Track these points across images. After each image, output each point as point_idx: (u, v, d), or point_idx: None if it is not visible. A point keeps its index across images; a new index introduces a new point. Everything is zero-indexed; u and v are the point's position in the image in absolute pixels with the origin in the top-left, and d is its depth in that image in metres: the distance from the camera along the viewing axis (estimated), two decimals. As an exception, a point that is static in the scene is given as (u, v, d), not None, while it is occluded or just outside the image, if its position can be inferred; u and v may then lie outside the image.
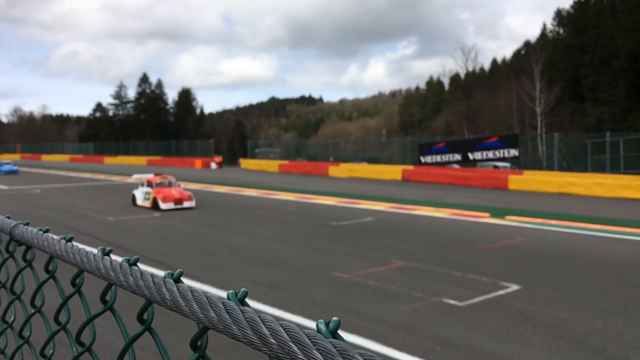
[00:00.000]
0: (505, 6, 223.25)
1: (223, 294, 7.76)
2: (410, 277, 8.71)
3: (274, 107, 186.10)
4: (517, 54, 68.17)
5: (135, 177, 21.09)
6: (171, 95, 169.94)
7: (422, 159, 30.42)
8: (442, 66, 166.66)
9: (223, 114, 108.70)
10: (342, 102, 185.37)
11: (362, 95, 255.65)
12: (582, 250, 10.93)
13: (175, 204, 17.08)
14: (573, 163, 29.30)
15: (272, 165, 40.41)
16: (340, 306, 7.26)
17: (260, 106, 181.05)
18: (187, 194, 17.57)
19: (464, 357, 5.58)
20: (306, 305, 7.32)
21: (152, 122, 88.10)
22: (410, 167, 30.22)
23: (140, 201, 17.98)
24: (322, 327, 0.52)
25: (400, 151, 42.88)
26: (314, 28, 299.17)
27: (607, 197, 20.95)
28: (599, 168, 27.73)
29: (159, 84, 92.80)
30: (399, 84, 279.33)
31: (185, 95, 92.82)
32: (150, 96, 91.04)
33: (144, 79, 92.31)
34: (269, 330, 0.51)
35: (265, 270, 9.32)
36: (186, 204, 17.30)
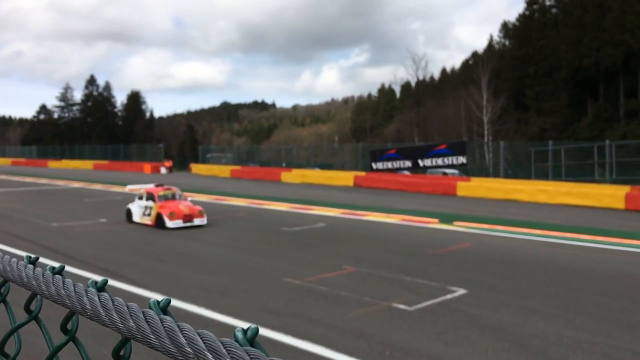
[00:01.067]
0: (454, 17, 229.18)
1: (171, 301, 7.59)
2: (361, 283, 8.77)
3: (227, 112, 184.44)
4: (465, 64, 70.08)
5: (130, 188, 18.04)
6: (120, 98, 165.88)
7: (374, 166, 30.75)
8: (394, 74, 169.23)
9: (174, 118, 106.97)
10: (295, 107, 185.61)
11: (315, 101, 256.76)
12: (526, 255, 11.28)
13: (185, 221, 14.27)
14: (518, 170, 30.26)
15: (223, 170, 40.00)
16: (291, 312, 7.23)
17: (212, 111, 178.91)
18: (197, 209, 14.72)
19: (412, 361, 5.65)
20: (257, 311, 7.26)
21: (99, 125, 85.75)
22: (362, 174, 30.49)
23: (137, 217, 15.09)
24: (240, 335, 0.51)
25: (352, 157, 43.24)
26: (267, 33, 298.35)
27: (550, 203, 21.71)
28: (542, 175, 28.74)
29: (107, 87, 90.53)
30: (351, 90, 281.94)
31: (135, 98, 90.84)
32: (97, 99, 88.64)
33: (91, 81, 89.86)
34: (186, 339, 0.50)
35: (216, 276, 9.20)
36: (197, 222, 14.47)
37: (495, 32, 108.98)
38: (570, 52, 48.03)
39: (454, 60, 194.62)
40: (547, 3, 56.72)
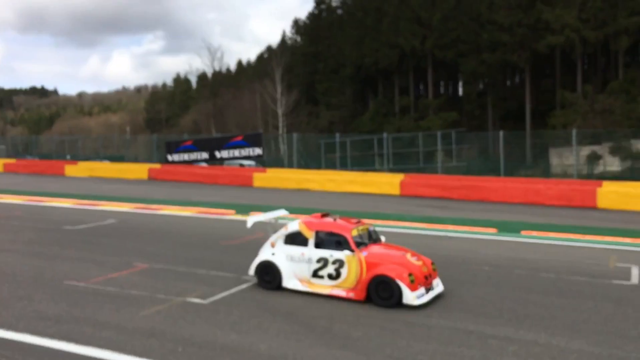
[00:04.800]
0: (249, 11, 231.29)
1: None
2: (154, 280, 8.47)
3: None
4: (260, 58, 71.60)
5: (260, 219, 8.92)
6: None
7: (169, 157, 29.82)
8: (189, 64, 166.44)
9: None
10: (81, 95, 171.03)
11: (105, 89, 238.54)
12: (315, 240, 11.96)
13: (428, 288, 7.60)
14: (310, 161, 31.95)
15: (-6, 164, 35.19)
16: (74, 317, 6.68)
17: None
18: (429, 262, 7.97)
19: (205, 355, 5.63)
20: (34, 320, 6.57)
21: None
22: (157, 166, 29.37)
23: (295, 280, 7.96)
24: None
25: (146, 149, 41.45)
26: (47, 13, 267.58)
27: (338, 191, 23.33)
28: (331, 165, 30.79)
29: None
30: (145, 79, 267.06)
31: None
32: None
33: None
34: None
35: (-18, 286, 8.08)
36: (436, 285, 7.85)
37: (288, 28, 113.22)
38: (353, 51, 52.04)
39: (250, 53, 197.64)
40: (334, 4, 60.65)
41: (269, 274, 8.08)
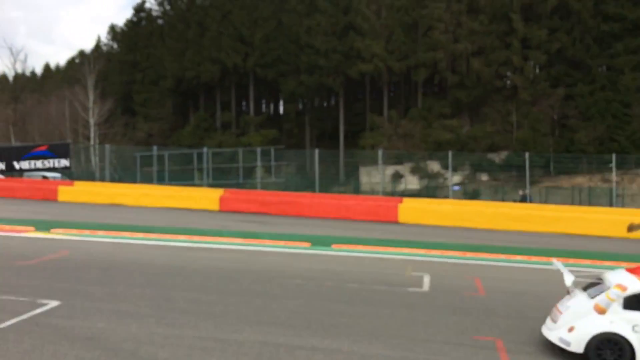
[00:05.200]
0: (61, 12, 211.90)
1: None
2: None
3: None
4: (71, 62, 66.57)
5: (566, 271, 6.89)
6: None
7: (-44, 168, 26.14)
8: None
9: None
10: None
11: None
12: (125, 259, 11.35)
13: None
14: (124, 175, 30.30)
15: None
16: None
17: None
18: None
19: (-15, 391, 4.98)
20: None
21: None
22: (-62, 177, 25.52)
23: None
24: None
25: None
26: None
27: (154, 207, 22.41)
28: (148, 179, 29.51)
29: None
30: None
31: None
32: None
33: None
34: None
35: None
36: None
37: (103, 33, 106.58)
38: (175, 64, 50.86)
39: (59, 57, 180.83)
40: (154, 13, 58.76)
41: (613, 352, 6.17)
